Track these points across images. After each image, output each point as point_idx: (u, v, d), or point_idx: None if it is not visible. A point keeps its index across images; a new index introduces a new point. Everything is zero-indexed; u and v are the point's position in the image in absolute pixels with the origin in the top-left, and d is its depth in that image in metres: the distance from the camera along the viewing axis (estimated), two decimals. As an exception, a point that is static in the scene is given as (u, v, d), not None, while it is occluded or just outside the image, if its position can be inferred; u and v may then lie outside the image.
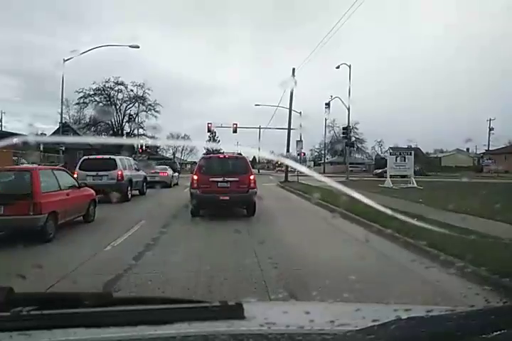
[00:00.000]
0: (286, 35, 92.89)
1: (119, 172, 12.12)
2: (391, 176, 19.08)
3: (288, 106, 26.61)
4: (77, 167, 12.55)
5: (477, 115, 71.24)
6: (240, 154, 9.96)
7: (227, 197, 8.41)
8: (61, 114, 22.69)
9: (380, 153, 63.20)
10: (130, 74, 44.42)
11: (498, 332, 0.77)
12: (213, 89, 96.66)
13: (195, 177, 8.78)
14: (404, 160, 19.03)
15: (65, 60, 20.94)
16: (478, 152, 59.43)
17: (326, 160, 59.49)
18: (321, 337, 0.78)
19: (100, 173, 12.05)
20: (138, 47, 20.54)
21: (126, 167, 12.90)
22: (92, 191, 8.31)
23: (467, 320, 0.82)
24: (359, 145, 57.59)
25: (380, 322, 0.81)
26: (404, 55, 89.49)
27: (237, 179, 8.64)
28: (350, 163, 60.27)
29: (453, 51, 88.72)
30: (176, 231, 6.95)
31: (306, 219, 8.59)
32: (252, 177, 8.80)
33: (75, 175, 11.58)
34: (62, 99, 22.56)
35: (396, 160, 19.10)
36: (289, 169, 24.73)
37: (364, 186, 16.78)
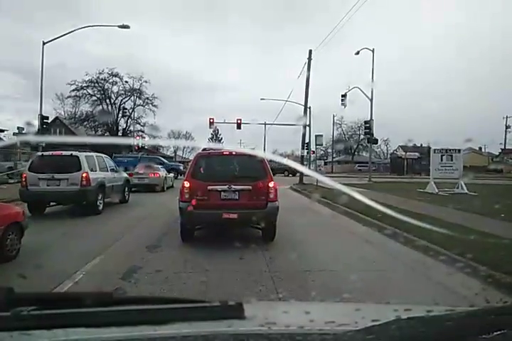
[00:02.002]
0: (290, 31, 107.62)
1: (84, 175, 10.94)
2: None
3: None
4: (27, 167, 11.45)
5: (479, 114, 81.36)
6: (254, 149, 9.04)
7: (235, 215, 7.03)
8: (40, 104, 23.48)
9: (385, 151, 73.04)
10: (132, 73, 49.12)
11: (498, 332, 0.95)
12: (216, 87, 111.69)
13: (187, 183, 7.30)
14: (452, 160, 18.83)
15: (44, 43, 22.44)
16: (485, 151, 67.25)
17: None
18: (321, 337, 0.96)
19: (57, 176, 10.79)
20: (128, 27, 22.33)
21: (96, 167, 11.83)
22: (14, 209, 6.57)
23: (467, 320, 1.01)
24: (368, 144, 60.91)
25: (380, 322, 1.00)
26: (404, 55, 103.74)
27: (249, 187, 7.26)
28: (358, 163, 63.87)
29: (452, 51, 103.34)
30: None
31: (367, 256, 6.42)
32: (271, 184, 7.35)
33: (23, 179, 10.97)
34: (41, 87, 23.45)
35: (442, 160, 18.85)
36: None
37: (400, 191, 17.18)
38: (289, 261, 6.10)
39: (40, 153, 12.11)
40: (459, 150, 19.38)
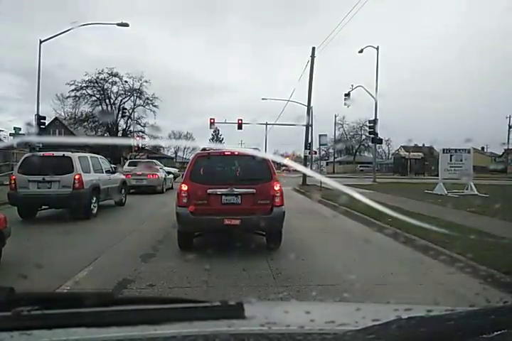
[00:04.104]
0: (291, 31, 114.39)
1: (77, 177, 10.85)
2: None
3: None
4: (16, 169, 11.34)
5: (480, 114, 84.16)
6: (257, 149, 8.74)
7: (238, 221, 6.81)
8: (37, 104, 24.08)
9: (386, 152, 76.48)
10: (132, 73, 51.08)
11: (498, 332, 0.99)
12: (217, 88, 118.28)
13: (184, 186, 7.07)
14: (461, 160, 18.95)
15: (41, 41, 23.34)
16: (487, 151, 71.46)
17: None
18: (321, 337, 1.01)
19: (48, 178, 10.68)
20: (127, 25, 23.20)
21: (89, 169, 11.79)
22: None
23: (467, 320, 1.05)
24: (370, 144, 62.67)
25: (381, 321, 1.04)
26: (402, 56, 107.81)
27: (253, 190, 7.04)
28: (360, 163, 65.70)
29: (453, 51, 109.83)
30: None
31: (383, 267, 6.17)
32: (277, 186, 7.14)
33: (12, 181, 10.87)
34: (38, 86, 24.03)
35: (451, 160, 18.95)
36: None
37: (408, 193, 17.29)
38: (298, 272, 5.79)
39: (30, 154, 12.04)
40: (469, 151, 19.37)
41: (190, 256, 6.75)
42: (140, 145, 39.13)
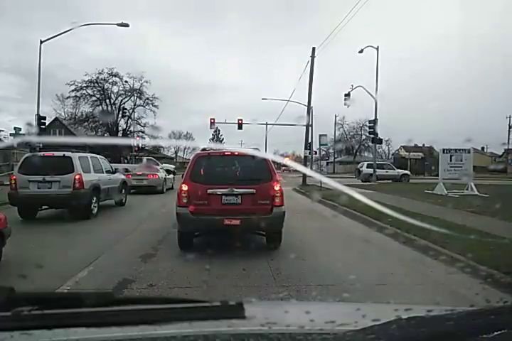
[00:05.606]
0: (292, 31, 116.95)
1: (77, 177, 10.86)
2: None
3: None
4: (17, 169, 11.33)
5: (480, 114, 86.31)
6: (257, 149, 8.72)
7: (238, 222, 6.80)
8: (38, 104, 24.20)
9: (386, 152, 76.68)
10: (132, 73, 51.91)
11: (498, 332, 0.99)
12: (217, 88, 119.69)
13: (185, 186, 7.08)
14: (461, 160, 18.96)
15: (41, 41, 23.51)
16: (487, 151, 72.46)
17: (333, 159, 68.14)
18: (321, 337, 1.01)
19: (48, 178, 10.69)
20: (127, 25, 23.26)
21: (90, 169, 11.80)
22: None
23: (467, 320, 1.05)
24: (370, 144, 62.91)
25: (381, 321, 1.04)
26: (402, 56, 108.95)
27: (253, 190, 7.05)
28: (359, 163, 66.48)
29: (452, 51, 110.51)
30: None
31: (382, 267, 6.21)
32: (277, 186, 7.15)
33: (13, 181, 10.85)
34: (39, 86, 24.13)
35: (451, 160, 18.96)
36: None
37: (408, 193, 17.28)
38: (298, 272, 5.84)
39: (30, 154, 12.07)
40: (469, 151, 19.36)
41: (190, 256, 6.76)
42: (140, 145, 39.56)
